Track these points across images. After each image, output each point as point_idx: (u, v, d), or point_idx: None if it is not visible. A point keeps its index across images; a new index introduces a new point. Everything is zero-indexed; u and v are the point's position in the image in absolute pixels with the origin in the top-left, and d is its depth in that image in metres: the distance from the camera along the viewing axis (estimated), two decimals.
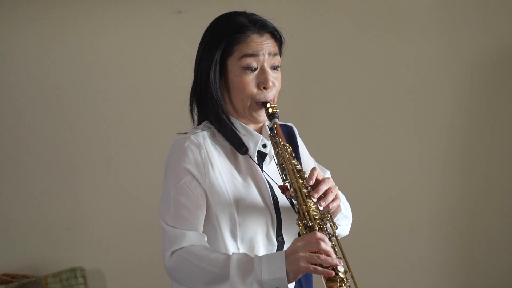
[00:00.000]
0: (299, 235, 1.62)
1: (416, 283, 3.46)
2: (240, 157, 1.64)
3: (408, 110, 3.46)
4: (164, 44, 3.48)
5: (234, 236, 1.57)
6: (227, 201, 1.57)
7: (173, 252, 1.51)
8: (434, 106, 3.45)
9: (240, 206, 1.57)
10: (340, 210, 1.63)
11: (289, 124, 1.80)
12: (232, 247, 1.58)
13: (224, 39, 1.62)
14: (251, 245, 1.58)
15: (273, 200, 1.61)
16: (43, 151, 3.46)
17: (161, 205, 1.60)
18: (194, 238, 1.52)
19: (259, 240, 1.59)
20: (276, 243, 1.61)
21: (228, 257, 1.46)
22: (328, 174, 1.81)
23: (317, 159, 1.86)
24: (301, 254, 1.39)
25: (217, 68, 1.62)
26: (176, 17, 3.46)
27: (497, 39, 3.40)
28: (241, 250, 1.58)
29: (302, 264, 1.38)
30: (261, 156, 1.66)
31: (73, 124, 3.47)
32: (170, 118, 3.46)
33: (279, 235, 1.61)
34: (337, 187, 1.56)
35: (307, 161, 1.80)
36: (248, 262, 1.44)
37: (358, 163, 3.41)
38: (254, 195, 1.60)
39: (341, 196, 1.74)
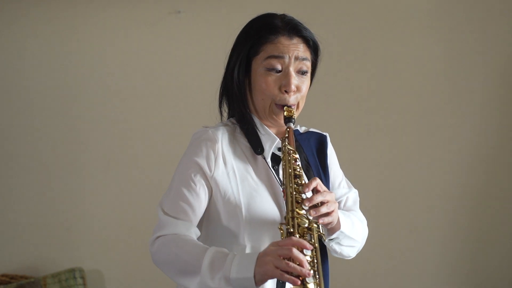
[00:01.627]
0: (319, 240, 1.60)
1: (416, 283, 3.46)
2: (259, 158, 1.64)
3: (407, 110, 3.45)
4: (163, 44, 3.48)
5: (239, 234, 1.56)
6: (235, 198, 1.57)
7: (157, 237, 1.52)
8: (434, 106, 3.44)
9: (250, 204, 1.57)
10: (339, 228, 1.60)
11: (324, 133, 1.78)
12: (237, 244, 1.57)
13: (252, 38, 1.61)
14: (257, 245, 1.57)
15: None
16: (43, 152, 3.45)
17: (164, 193, 1.60)
18: (181, 227, 1.52)
19: (265, 240, 1.57)
20: None
21: (204, 249, 1.44)
22: (353, 192, 1.80)
23: None
24: (271, 258, 1.35)
25: (243, 66, 1.62)
26: (175, 17, 3.45)
27: (498, 38, 3.40)
28: (247, 249, 1.57)
29: (269, 267, 1.35)
30: (276, 158, 1.65)
31: (72, 125, 3.47)
32: (169, 118, 3.47)
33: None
34: (337, 204, 1.52)
35: (335, 173, 1.79)
36: (221, 258, 1.42)
37: (358, 163, 3.41)
38: (266, 196, 1.59)
39: (357, 219, 1.73)
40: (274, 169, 1.63)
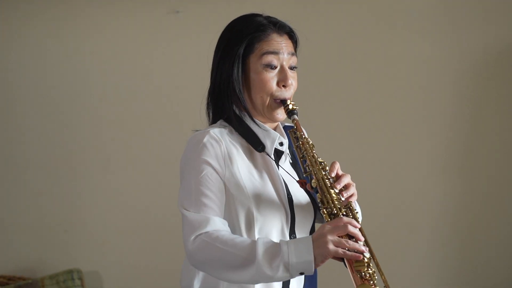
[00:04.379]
0: (313, 230, 1.68)
1: (415, 284, 3.45)
2: (257, 155, 1.67)
3: (408, 110, 3.45)
4: (162, 44, 3.47)
5: (251, 231, 1.60)
6: (246, 196, 1.60)
7: (196, 236, 1.52)
8: (435, 106, 3.43)
9: (258, 202, 1.60)
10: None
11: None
12: None
13: (246, 37, 1.65)
14: None
15: (288, 198, 1.64)
16: (40, 153, 3.45)
17: (181, 196, 1.61)
18: (218, 223, 1.54)
19: (273, 236, 1.61)
20: None
21: (253, 241, 1.48)
22: None
23: None
24: (330, 237, 1.42)
25: (240, 65, 1.66)
26: (173, 17, 3.45)
27: (498, 38, 3.39)
28: None
29: (331, 247, 1.41)
30: (277, 154, 1.70)
31: (70, 125, 3.46)
32: (168, 118, 3.47)
33: (292, 232, 1.64)
34: (355, 184, 1.61)
35: None
36: (274, 245, 1.46)
37: (358, 163, 3.40)
38: (270, 192, 1.63)
39: None
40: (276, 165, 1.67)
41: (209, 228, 1.52)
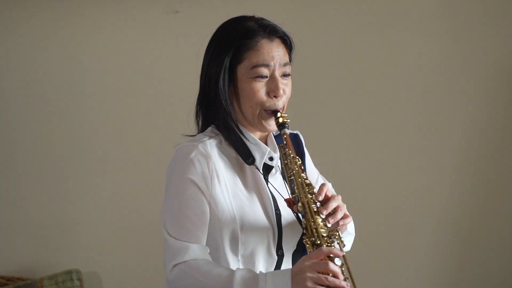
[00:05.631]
0: (297, 248, 1.62)
1: (415, 285, 3.45)
2: (246, 168, 1.62)
3: (408, 111, 3.44)
4: (161, 44, 3.46)
5: (235, 249, 1.56)
6: (231, 215, 1.55)
7: (175, 265, 1.50)
8: (435, 107, 3.43)
9: (243, 220, 1.56)
10: (346, 228, 1.64)
11: (295, 131, 1.77)
12: (233, 260, 1.56)
13: (233, 45, 1.59)
14: (252, 259, 1.57)
15: (275, 214, 1.60)
16: (39, 153, 3.44)
17: (164, 214, 1.57)
18: (197, 251, 1.51)
19: (259, 254, 1.58)
20: (276, 257, 1.60)
21: (231, 273, 1.45)
22: (330, 185, 1.78)
23: (317, 159, 1.84)
24: (309, 274, 1.38)
25: (226, 75, 1.60)
26: (173, 17, 3.44)
27: (500, 38, 3.39)
28: (241, 263, 1.57)
29: (309, 284, 1.37)
30: (267, 168, 1.64)
31: (68, 126, 3.45)
32: (166, 120, 3.46)
33: (279, 248, 1.60)
34: (345, 206, 1.54)
35: (311, 171, 1.78)
36: (252, 278, 1.42)
37: (357, 164, 3.39)
38: (257, 208, 1.59)
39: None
40: (265, 179, 1.62)
41: (187, 257, 1.49)
